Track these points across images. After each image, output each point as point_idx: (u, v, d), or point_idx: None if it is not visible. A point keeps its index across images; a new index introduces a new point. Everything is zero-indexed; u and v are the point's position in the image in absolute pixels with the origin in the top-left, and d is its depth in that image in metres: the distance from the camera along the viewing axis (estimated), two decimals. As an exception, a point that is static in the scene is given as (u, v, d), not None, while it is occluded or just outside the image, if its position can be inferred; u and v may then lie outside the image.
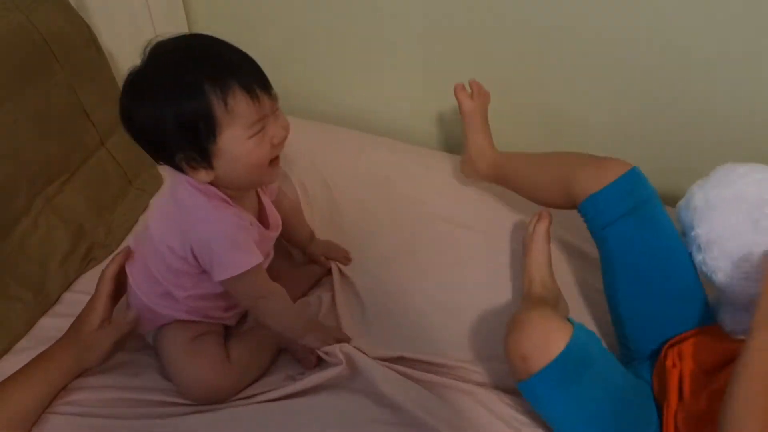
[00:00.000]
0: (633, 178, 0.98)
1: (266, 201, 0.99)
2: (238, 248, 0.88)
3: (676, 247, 0.95)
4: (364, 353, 0.97)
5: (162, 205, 0.96)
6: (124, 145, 1.24)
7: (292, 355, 1.01)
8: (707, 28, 1.13)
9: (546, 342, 0.82)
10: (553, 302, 1.05)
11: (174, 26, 1.47)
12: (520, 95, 1.36)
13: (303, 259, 1.18)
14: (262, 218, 0.98)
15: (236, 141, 0.81)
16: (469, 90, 1.27)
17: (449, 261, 1.18)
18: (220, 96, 0.78)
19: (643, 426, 0.86)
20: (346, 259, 1.18)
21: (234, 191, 0.89)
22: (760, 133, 1.22)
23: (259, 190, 0.98)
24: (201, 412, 0.92)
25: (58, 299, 1.09)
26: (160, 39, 0.82)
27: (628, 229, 0.96)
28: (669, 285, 0.94)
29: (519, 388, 0.86)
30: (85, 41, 1.17)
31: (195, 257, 0.89)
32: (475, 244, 1.22)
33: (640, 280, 0.95)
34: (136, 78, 0.82)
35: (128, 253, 0.98)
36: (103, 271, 0.96)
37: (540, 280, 1.07)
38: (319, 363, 0.99)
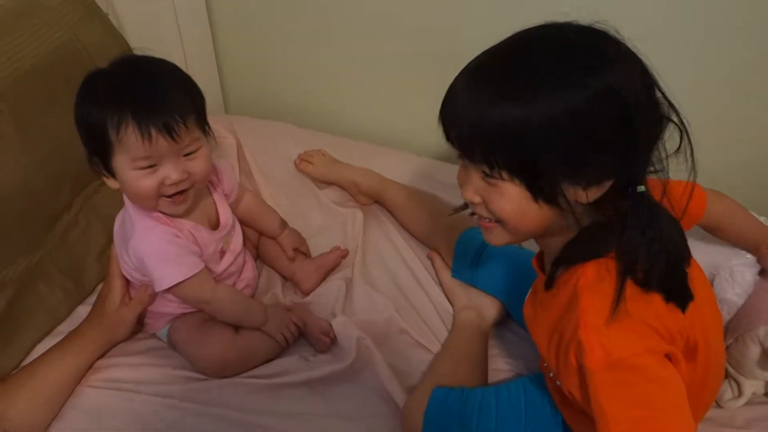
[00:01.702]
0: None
1: (218, 200, 1.08)
2: (170, 262, 0.96)
3: None
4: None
5: (119, 221, 1.05)
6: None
7: (306, 339, 1.09)
8: None
9: (413, 422, 0.92)
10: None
11: (199, 38, 1.58)
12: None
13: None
14: (216, 217, 1.07)
15: (123, 167, 0.90)
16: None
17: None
18: (114, 125, 0.86)
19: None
20: (308, 252, 1.24)
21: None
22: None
23: (210, 189, 1.07)
24: (224, 387, 1.01)
25: (93, 290, 1.19)
26: (132, 53, 0.91)
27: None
28: None
29: None
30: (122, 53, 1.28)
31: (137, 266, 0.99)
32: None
33: None
34: (89, 76, 0.92)
35: None
36: (109, 253, 1.06)
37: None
38: (332, 347, 1.07)
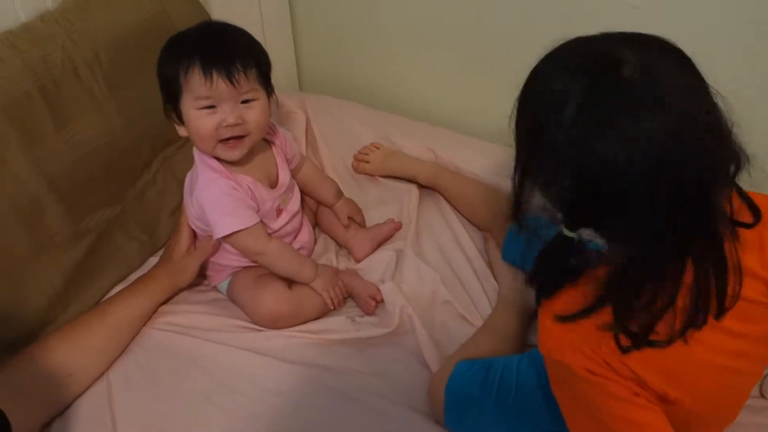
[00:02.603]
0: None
1: (280, 161, 1.16)
2: (226, 212, 1.05)
3: None
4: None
5: (188, 174, 1.15)
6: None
7: (354, 300, 1.15)
8: None
9: (437, 390, 0.96)
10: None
11: (279, 19, 1.66)
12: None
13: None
14: (275, 176, 1.14)
15: (187, 108, 1.01)
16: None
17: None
18: (184, 68, 0.98)
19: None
20: (363, 222, 1.29)
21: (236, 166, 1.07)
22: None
23: (274, 151, 1.15)
24: (275, 337, 1.09)
25: (165, 244, 1.28)
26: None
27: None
28: None
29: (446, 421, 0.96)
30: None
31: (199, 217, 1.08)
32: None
33: None
34: (173, 37, 1.04)
35: None
36: (182, 205, 1.15)
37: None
38: (377, 309, 1.12)
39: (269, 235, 1.11)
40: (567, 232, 0.68)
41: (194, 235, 1.15)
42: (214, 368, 1.04)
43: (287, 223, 1.16)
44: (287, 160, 1.18)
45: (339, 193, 1.29)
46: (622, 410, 0.70)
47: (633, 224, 0.64)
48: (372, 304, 1.11)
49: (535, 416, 0.89)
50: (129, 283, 1.18)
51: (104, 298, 1.15)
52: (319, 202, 1.31)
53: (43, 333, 1.08)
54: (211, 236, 1.11)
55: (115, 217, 1.21)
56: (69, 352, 1.01)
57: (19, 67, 1.05)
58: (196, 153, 1.08)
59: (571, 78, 0.65)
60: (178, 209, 1.31)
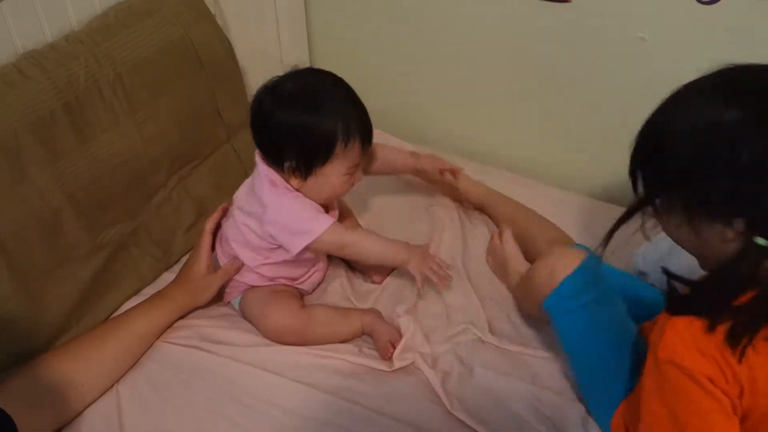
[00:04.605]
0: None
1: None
2: (305, 220, 1.07)
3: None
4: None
5: (243, 194, 1.15)
6: (245, 144, 1.48)
7: (374, 342, 1.13)
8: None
9: (569, 259, 1.02)
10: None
11: (296, 44, 1.70)
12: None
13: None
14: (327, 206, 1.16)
15: (335, 173, 1.05)
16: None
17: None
18: (345, 139, 1.02)
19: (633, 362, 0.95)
20: (455, 172, 1.30)
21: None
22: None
23: None
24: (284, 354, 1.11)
25: (179, 260, 1.32)
26: (308, 66, 1.05)
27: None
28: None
29: (544, 306, 1.03)
30: (225, 54, 1.41)
31: (273, 237, 1.09)
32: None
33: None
34: (283, 87, 1.04)
35: (224, 209, 1.20)
36: (204, 227, 1.18)
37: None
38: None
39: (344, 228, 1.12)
40: (762, 242, 0.70)
41: (211, 256, 1.17)
42: (223, 382, 1.06)
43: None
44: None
45: (414, 153, 1.31)
46: (716, 427, 0.74)
47: None
48: (390, 350, 1.10)
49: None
50: (142, 297, 1.20)
51: (118, 313, 1.17)
52: (400, 172, 1.34)
53: (57, 344, 1.09)
54: (235, 257, 1.15)
55: (131, 233, 1.24)
56: (80, 365, 1.03)
57: (44, 85, 1.09)
58: (266, 177, 1.08)
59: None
60: (192, 227, 1.34)
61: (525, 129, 1.56)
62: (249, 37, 1.55)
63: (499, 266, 1.26)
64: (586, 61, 1.40)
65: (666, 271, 0.78)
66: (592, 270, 1.02)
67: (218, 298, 1.21)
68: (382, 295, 1.23)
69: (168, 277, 1.27)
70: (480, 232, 1.37)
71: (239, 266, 1.16)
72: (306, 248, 1.07)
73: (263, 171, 1.08)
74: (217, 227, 1.20)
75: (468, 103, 1.59)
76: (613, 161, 1.39)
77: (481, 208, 1.42)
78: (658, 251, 1.14)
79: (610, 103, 1.42)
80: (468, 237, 1.35)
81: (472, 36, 1.51)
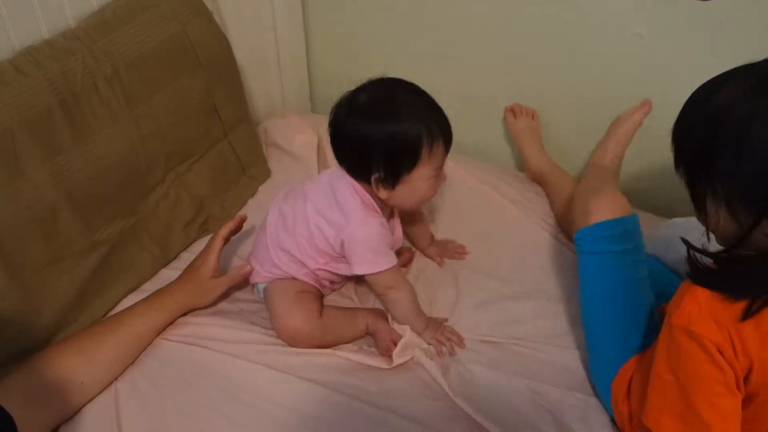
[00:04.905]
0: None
1: (396, 218, 1.18)
2: (378, 252, 1.08)
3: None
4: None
5: (321, 193, 1.13)
6: (242, 140, 1.48)
7: (375, 342, 1.15)
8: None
9: (613, 207, 1.07)
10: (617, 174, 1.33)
11: (293, 43, 1.70)
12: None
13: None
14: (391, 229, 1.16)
15: (422, 177, 1.04)
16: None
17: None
18: (429, 142, 1.01)
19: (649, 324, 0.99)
20: (459, 255, 1.32)
21: (383, 205, 1.10)
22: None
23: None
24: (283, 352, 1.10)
25: (176, 257, 1.32)
26: (382, 76, 1.05)
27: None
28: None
29: (575, 237, 1.09)
30: (223, 51, 1.41)
31: (342, 247, 1.09)
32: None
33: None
34: (358, 99, 1.03)
35: (240, 220, 1.19)
36: (218, 231, 1.18)
37: (613, 155, 1.30)
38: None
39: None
40: None
41: (219, 261, 1.17)
42: (221, 379, 1.05)
43: None
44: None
45: (432, 238, 1.34)
46: (718, 398, 0.76)
47: None
48: (392, 348, 1.10)
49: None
50: (139, 294, 1.20)
51: (118, 310, 1.17)
52: (414, 245, 1.35)
53: (54, 341, 1.09)
54: (246, 264, 1.16)
55: (129, 229, 1.23)
56: (80, 362, 1.02)
57: (40, 82, 1.08)
58: (351, 186, 1.08)
59: None
60: (190, 223, 1.34)
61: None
62: (246, 33, 1.55)
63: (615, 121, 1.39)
64: (584, 58, 1.41)
65: (693, 247, 0.80)
66: (630, 227, 1.06)
67: (228, 294, 1.21)
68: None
69: (166, 273, 1.27)
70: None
71: (247, 273, 1.16)
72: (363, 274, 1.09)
73: (352, 184, 1.08)
74: (230, 234, 1.20)
75: (467, 100, 1.58)
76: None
77: (539, 180, 1.48)
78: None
79: (608, 99, 1.43)
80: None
81: (471, 33, 1.52)
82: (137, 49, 1.22)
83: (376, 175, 1.03)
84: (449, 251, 1.33)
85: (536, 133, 1.53)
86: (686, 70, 1.29)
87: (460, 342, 1.13)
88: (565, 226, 1.34)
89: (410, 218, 1.27)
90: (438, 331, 1.13)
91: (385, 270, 1.08)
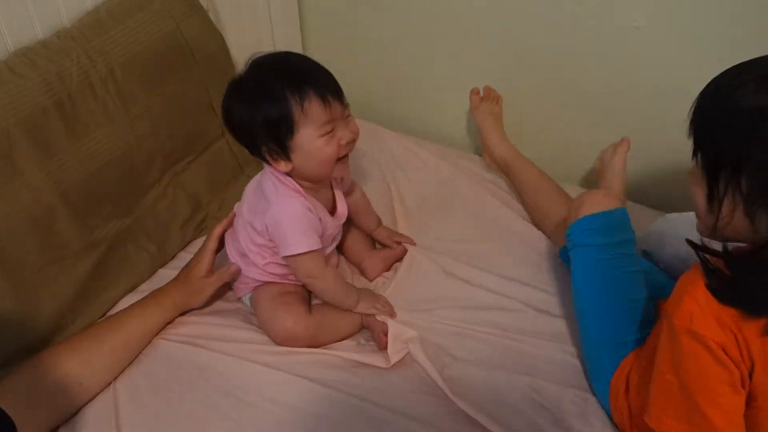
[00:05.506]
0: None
1: (338, 193, 1.18)
2: (301, 233, 1.06)
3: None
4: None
5: (251, 190, 1.15)
6: (239, 139, 1.48)
7: (372, 334, 1.15)
8: None
9: (603, 201, 1.08)
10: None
11: (290, 40, 1.70)
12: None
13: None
14: (332, 207, 1.16)
15: (309, 138, 1.01)
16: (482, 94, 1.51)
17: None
18: (298, 101, 0.98)
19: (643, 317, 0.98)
20: (410, 242, 1.32)
21: (308, 183, 1.08)
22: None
23: (333, 182, 1.16)
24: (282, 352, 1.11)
25: (174, 256, 1.31)
26: (259, 54, 1.04)
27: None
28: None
29: (567, 232, 1.10)
30: (219, 49, 1.41)
31: (269, 233, 1.08)
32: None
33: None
34: (237, 84, 1.04)
35: (233, 217, 1.19)
36: (211, 231, 1.17)
37: (617, 189, 1.27)
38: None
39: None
40: None
41: (214, 261, 1.17)
42: (218, 378, 1.06)
43: (331, 249, 1.20)
44: (338, 180, 1.20)
45: (379, 221, 1.33)
46: (723, 398, 0.76)
47: None
48: (384, 340, 1.11)
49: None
50: (138, 293, 1.20)
51: (115, 309, 1.17)
52: (360, 228, 1.33)
53: (53, 342, 1.09)
54: (233, 264, 1.15)
55: (126, 229, 1.23)
56: (78, 362, 1.02)
57: (36, 82, 1.08)
58: (272, 174, 1.08)
59: None
60: (187, 222, 1.34)
61: (522, 124, 1.55)
62: (242, 30, 1.55)
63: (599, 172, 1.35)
64: (580, 51, 1.40)
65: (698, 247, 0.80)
66: (617, 219, 1.07)
67: (225, 291, 1.22)
68: (375, 291, 1.23)
69: (163, 273, 1.27)
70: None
71: (235, 271, 1.16)
72: (289, 258, 1.08)
73: (273, 173, 1.08)
74: (225, 233, 1.20)
75: (465, 98, 1.58)
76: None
77: (504, 170, 1.45)
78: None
79: (605, 94, 1.42)
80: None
81: (468, 29, 1.51)
82: (132, 48, 1.21)
83: (266, 151, 1.03)
84: (398, 237, 1.32)
85: (499, 120, 1.51)
86: (682, 62, 1.28)
87: (393, 312, 1.14)
88: (537, 220, 1.33)
89: (349, 197, 1.25)
90: (372, 302, 1.14)
91: (306, 252, 1.06)
